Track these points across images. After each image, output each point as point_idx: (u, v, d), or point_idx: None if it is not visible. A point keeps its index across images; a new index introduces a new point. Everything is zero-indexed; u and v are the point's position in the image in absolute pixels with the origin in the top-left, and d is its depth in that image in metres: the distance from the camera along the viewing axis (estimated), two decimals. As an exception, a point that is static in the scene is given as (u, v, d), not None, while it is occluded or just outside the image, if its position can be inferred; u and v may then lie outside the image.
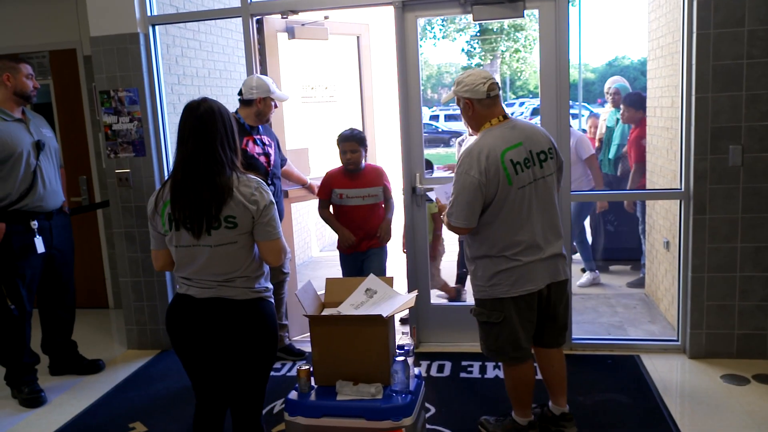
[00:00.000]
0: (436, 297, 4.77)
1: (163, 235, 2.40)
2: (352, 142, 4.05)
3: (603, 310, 4.93)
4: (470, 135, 2.94)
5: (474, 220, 2.70)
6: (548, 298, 2.86)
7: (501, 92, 2.81)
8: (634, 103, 5.38)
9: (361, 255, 4.18)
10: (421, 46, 4.10)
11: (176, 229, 2.33)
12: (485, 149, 2.66)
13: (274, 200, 2.38)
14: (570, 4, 3.89)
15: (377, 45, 5.51)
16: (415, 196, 4.19)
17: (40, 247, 3.78)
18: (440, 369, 3.93)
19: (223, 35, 5.60)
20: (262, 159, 3.84)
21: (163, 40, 4.58)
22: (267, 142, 3.93)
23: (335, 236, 4.26)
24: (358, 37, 4.95)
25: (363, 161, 4.12)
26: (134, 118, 4.34)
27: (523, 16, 3.92)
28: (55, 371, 4.24)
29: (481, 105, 2.75)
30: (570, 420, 3.03)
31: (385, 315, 2.53)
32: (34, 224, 3.76)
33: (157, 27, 4.38)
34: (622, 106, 5.47)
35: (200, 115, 2.33)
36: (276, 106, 3.91)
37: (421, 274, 4.30)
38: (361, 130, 4.20)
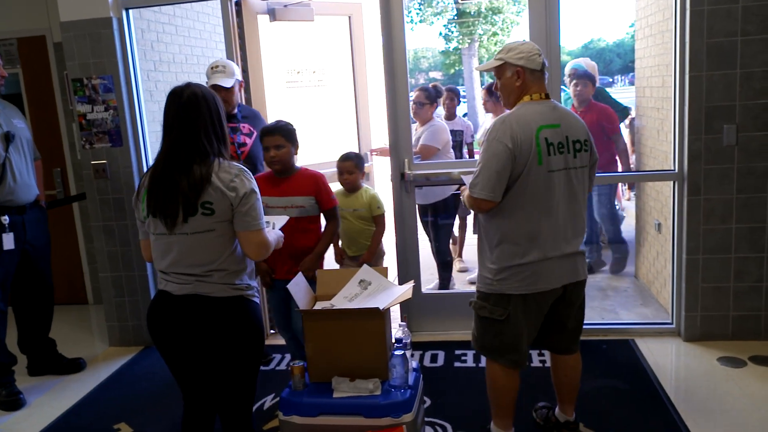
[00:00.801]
0: (427, 286, 4.67)
1: (143, 222, 2.32)
2: (276, 135, 3.17)
3: (594, 294, 4.88)
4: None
5: (500, 193, 2.46)
6: (564, 300, 2.63)
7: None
8: (588, 77, 5.01)
9: (282, 283, 2.99)
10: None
11: (153, 215, 2.23)
12: (521, 119, 2.47)
13: (257, 189, 2.26)
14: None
15: (371, 25, 5.27)
16: (403, 182, 4.08)
17: (9, 243, 3.60)
18: (433, 359, 3.85)
19: (200, 20, 5.40)
20: (232, 149, 3.55)
21: (137, 25, 4.39)
22: (247, 131, 3.67)
23: None
24: (349, 17, 4.76)
25: (291, 161, 3.26)
26: (109, 107, 4.16)
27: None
28: (33, 371, 4.07)
29: (532, 76, 2.56)
30: (574, 429, 2.89)
31: (381, 307, 2.42)
32: (5, 219, 3.58)
33: (131, 11, 4.19)
34: (571, 85, 5.05)
35: (184, 102, 2.22)
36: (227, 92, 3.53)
37: (411, 263, 4.20)
38: (288, 122, 3.28)
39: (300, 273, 2.75)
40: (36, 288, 3.92)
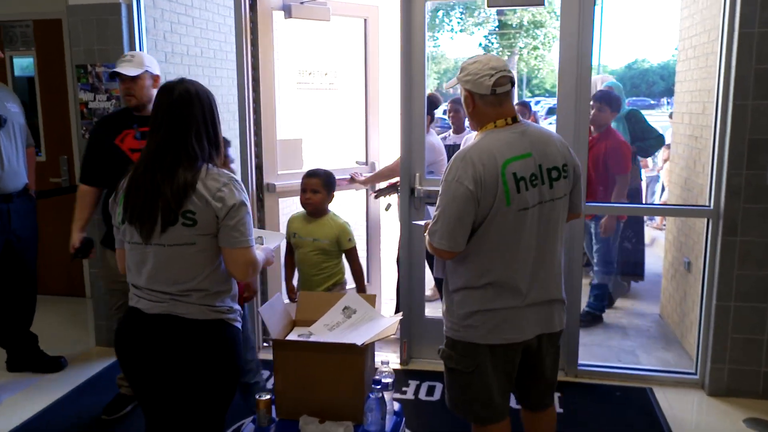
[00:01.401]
0: (433, 309, 4.38)
1: (119, 229, 2.08)
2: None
3: (613, 332, 4.54)
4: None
5: (461, 242, 2.14)
6: (537, 351, 2.31)
7: (515, 88, 2.24)
8: (606, 101, 4.58)
9: None
10: (437, 38, 3.70)
11: (129, 222, 2.00)
12: (483, 155, 2.12)
13: (247, 201, 2.02)
14: (596, -6, 3.48)
15: (387, 30, 5.01)
16: (413, 198, 3.80)
17: None
18: (430, 391, 3.55)
19: (219, 12, 5.21)
20: (136, 156, 3.03)
21: (149, 14, 4.21)
22: None
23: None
24: (365, 20, 4.50)
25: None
26: (112, 96, 3.98)
27: (543, 4, 3.53)
28: (12, 367, 3.90)
29: (483, 101, 2.19)
30: None
31: (360, 343, 2.15)
32: None
33: (142, -2, 4.00)
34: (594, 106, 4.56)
35: (175, 99, 2.01)
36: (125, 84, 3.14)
37: (415, 283, 3.93)
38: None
39: (278, 294, 2.49)
40: (18, 281, 3.74)
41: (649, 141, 4.98)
